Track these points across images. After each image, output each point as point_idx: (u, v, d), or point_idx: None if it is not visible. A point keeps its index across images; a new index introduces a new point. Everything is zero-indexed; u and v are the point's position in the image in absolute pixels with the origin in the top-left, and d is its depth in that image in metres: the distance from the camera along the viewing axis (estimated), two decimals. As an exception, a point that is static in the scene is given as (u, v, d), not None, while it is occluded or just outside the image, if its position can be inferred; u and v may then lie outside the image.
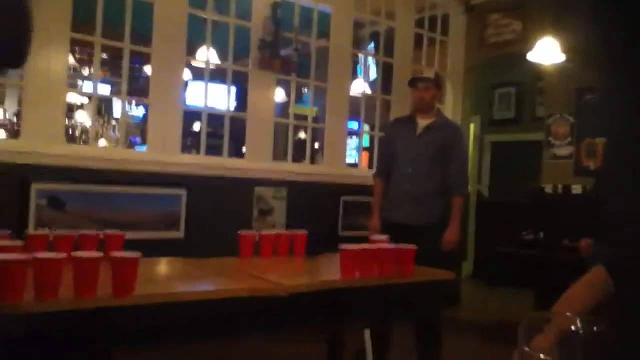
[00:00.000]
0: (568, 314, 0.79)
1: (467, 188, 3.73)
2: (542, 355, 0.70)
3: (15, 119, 7.66)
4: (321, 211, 4.39)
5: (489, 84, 7.14)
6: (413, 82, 3.50)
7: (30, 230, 3.10)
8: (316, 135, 5.80)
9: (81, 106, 8.57)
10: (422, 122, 3.42)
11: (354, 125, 5.67)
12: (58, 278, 1.56)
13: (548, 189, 4.52)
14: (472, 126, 6.60)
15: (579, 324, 0.75)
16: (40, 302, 1.53)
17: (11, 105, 8.31)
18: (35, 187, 3.24)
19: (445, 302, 4.85)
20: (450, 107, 5.62)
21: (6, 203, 3.15)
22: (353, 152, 6.68)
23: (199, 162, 4.05)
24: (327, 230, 4.32)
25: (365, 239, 2.65)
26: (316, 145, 6.30)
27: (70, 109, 7.97)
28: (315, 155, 5.65)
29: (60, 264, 1.57)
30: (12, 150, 3.30)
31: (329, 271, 2.39)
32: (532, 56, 4.56)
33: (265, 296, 1.91)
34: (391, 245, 2.33)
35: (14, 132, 7.03)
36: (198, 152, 4.19)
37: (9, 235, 2.01)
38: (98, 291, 1.61)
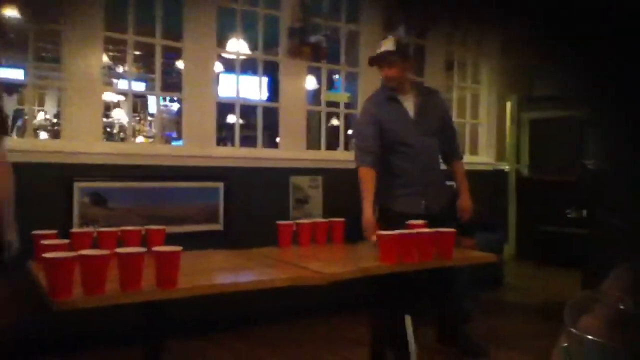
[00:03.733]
0: (617, 293, 0.76)
1: None
2: (590, 337, 0.67)
3: (55, 120, 7.88)
4: (357, 198, 4.37)
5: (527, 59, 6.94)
6: (371, 63, 3.20)
7: (75, 228, 3.19)
8: (350, 121, 5.76)
9: (117, 104, 8.75)
10: (409, 101, 3.12)
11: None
12: (104, 274, 1.60)
13: (591, 165, 4.38)
14: (508, 104, 6.44)
15: (628, 303, 0.72)
16: (88, 297, 1.58)
17: (51, 107, 8.55)
18: (77, 185, 3.33)
19: (488, 284, 4.79)
20: (486, 85, 5.51)
21: (51, 202, 3.25)
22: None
23: (235, 154, 4.09)
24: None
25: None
26: (350, 131, 6.27)
27: (107, 107, 8.15)
28: (349, 142, 5.62)
29: (106, 260, 1.61)
30: (54, 151, 3.39)
31: (369, 258, 2.39)
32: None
33: (305, 285, 1.92)
34: (430, 230, 2.31)
35: (54, 132, 7.23)
36: (233, 144, 4.23)
37: (55, 234, 2.07)
38: (143, 285, 1.65)
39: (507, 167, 5.80)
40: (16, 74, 7.02)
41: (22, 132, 6.90)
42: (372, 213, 2.98)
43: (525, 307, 4.72)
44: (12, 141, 5.04)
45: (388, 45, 3.12)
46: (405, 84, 3.13)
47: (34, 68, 3.83)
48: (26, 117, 4.96)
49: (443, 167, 3.36)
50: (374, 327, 2.55)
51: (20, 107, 7.78)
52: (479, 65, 5.55)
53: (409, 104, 3.12)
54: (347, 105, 4.89)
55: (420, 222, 2.53)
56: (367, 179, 3.04)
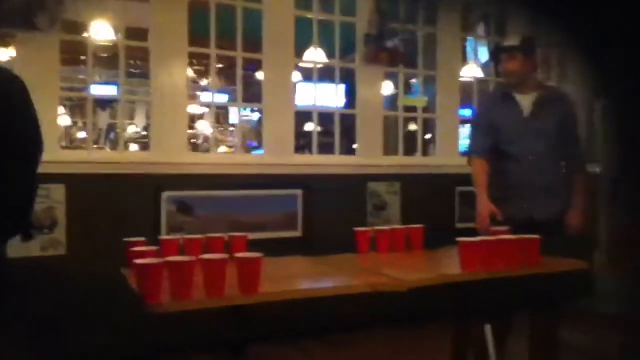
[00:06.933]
0: None
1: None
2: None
3: (144, 133, 8.33)
4: (436, 203, 4.30)
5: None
6: (493, 55, 3.09)
7: (163, 235, 3.34)
8: (427, 126, 5.69)
9: (201, 116, 9.11)
10: (526, 99, 2.91)
11: (467, 112, 5.48)
12: (190, 279, 1.67)
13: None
14: (598, 104, 6.10)
15: None
16: (176, 302, 1.65)
17: (140, 120, 9.04)
18: (165, 194, 3.50)
19: (579, 295, 4.55)
20: (573, 84, 5.25)
21: (141, 211, 3.43)
22: (467, 140, 6.47)
23: (313, 162, 4.14)
24: (444, 223, 4.22)
25: (484, 230, 2.55)
26: (428, 136, 6.19)
27: (192, 119, 8.51)
28: (427, 147, 5.54)
29: (191, 266, 1.68)
30: (143, 162, 3.59)
31: (449, 265, 2.34)
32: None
33: (384, 292, 1.91)
34: (514, 236, 2.23)
35: (144, 144, 7.64)
36: (311, 151, 4.29)
37: (144, 241, 2.18)
38: (226, 290, 1.70)
39: (597, 169, 5.49)
40: (109, 90, 7.49)
41: (114, 145, 7.34)
42: (490, 205, 2.82)
43: (614, 317, 4.44)
44: (105, 153, 5.39)
45: (512, 39, 3.02)
46: (526, 81, 2.93)
47: (125, 84, 4.08)
48: (118, 131, 5.28)
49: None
50: (455, 337, 2.50)
51: (113, 121, 8.29)
52: (566, 63, 5.30)
53: (526, 103, 2.92)
54: (425, 110, 4.82)
55: (503, 228, 2.46)
56: (479, 170, 2.93)
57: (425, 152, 4.93)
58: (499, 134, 2.94)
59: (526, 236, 2.20)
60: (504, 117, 2.94)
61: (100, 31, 4.27)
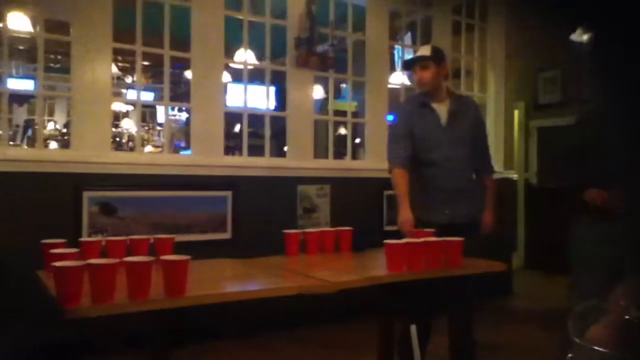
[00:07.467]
0: (623, 303, 0.76)
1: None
2: (596, 347, 0.67)
3: (65, 130, 7.95)
4: (365, 206, 4.38)
5: (533, 67, 6.93)
6: (406, 66, 3.22)
7: (84, 237, 3.21)
8: (357, 130, 5.79)
9: (126, 114, 8.82)
10: (441, 108, 3.06)
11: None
12: (112, 283, 1.61)
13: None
14: (516, 112, 6.43)
15: (634, 314, 0.72)
16: (96, 306, 1.59)
17: (61, 117, 8.63)
18: (87, 195, 3.36)
19: (497, 293, 4.77)
20: (493, 94, 5.50)
21: (61, 211, 3.28)
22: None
23: (242, 164, 4.10)
24: (372, 226, 4.30)
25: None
26: (357, 140, 6.29)
27: (116, 117, 8.22)
28: (356, 151, 5.63)
29: (114, 269, 1.62)
30: (64, 160, 3.43)
31: (376, 266, 2.38)
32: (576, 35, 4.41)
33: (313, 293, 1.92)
34: (438, 238, 2.30)
35: (64, 142, 7.29)
36: (241, 153, 4.25)
37: (64, 243, 2.08)
38: (151, 294, 1.66)
39: (515, 175, 5.78)
40: (26, 85, 7.10)
41: (32, 142, 6.96)
42: (411, 213, 2.91)
43: (533, 315, 4.69)
44: (22, 151, 5.10)
45: (423, 50, 3.13)
46: (438, 90, 3.06)
47: (44, 79, 3.88)
48: (36, 127, 5.02)
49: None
50: (382, 335, 2.55)
51: (31, 117, 7.86)
52: (485, 73, 5.55)
53: (442, 111, 3.05)
54: (354, 114, 4.90)
55: (429, 230, 2.54)
56: (401, 181, 3.00)
57: (354, 156, 5.00)
58: (419, 143, 3.04)
59: (449, 239, 2.28)
60: (424, 127, 3.05)
61: (18, 22, 4.04)
